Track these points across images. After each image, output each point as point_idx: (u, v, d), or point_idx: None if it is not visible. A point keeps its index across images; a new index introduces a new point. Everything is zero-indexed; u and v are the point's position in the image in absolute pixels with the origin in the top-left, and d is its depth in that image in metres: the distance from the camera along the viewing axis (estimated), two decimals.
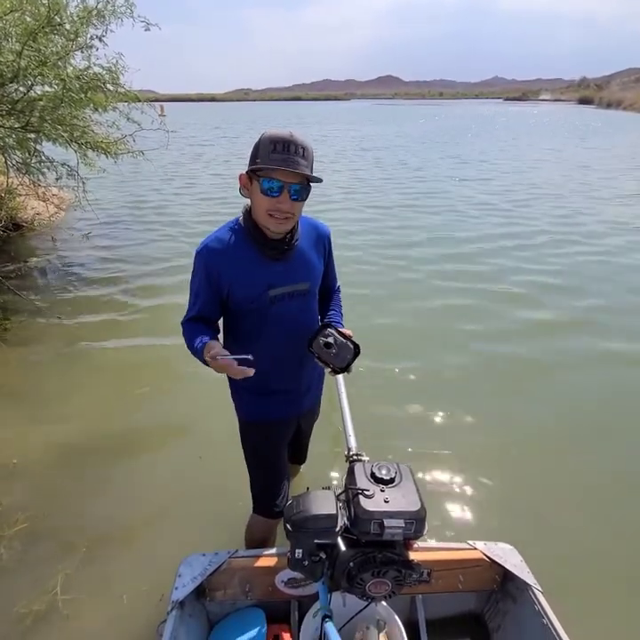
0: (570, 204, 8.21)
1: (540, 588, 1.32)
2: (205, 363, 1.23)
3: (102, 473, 2.28)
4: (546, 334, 3.72)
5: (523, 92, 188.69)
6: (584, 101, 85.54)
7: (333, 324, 1.44)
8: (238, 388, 1.48)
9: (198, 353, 1.24)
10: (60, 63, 4.05)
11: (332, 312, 1.53)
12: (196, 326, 1.33)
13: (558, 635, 1.21)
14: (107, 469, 2.30)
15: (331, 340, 1.32)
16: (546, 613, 1.26)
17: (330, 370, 1.36)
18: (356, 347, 1.34)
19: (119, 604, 1.68)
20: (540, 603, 1.29)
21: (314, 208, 7.39)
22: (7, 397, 2.91)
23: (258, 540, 1.59)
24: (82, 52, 4.33)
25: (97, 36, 4.33)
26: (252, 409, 1.49)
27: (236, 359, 1.14)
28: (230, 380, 1.49)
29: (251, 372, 1.15)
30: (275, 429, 1.52)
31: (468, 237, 6.30)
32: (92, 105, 4.66)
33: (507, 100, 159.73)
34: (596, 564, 1.85)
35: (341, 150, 16.05)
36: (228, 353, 1.15)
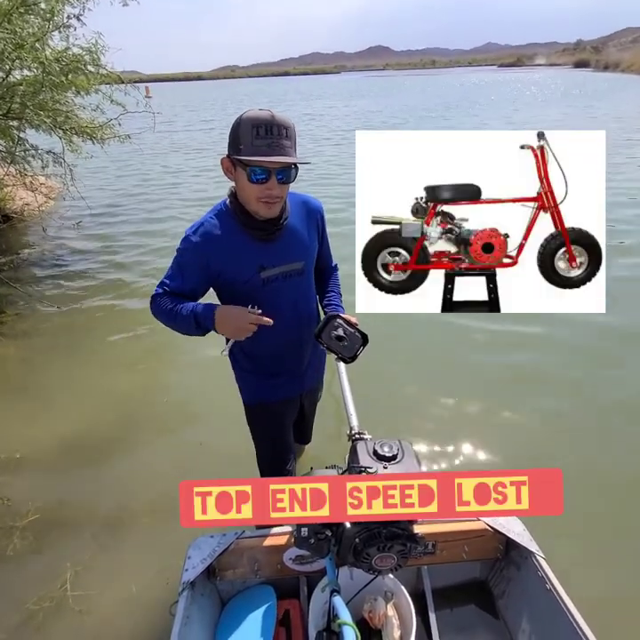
0: None
1: (542, 555, 1.35)
2: (200, 327, 1.22)
3: (106, 462, 2.30)
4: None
5: (517, 58, 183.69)
6: (580, 65, 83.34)
7: (335, 308, 1.45)
8: (242, 372, 1.49)
9: (197, 316, 1.21)
10: (37, 45, 3.91)
11: (332, 294, 1.51)
12: (174, 299, 1.28)
13: (561, 598, 1.24)
14: (110, 458, 2.32)
15: (341, 331, 1.33)
16: (549, 579, 1.29)
17: (337, 357, 1.37)
18: (365, 337, 1.35)
19: (130, 592, 1.70)
20: (543, 569, 1.32)
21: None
22: (7, 390, 2.92)
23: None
24: (59, 32, 4.18)
25: (74, 15, 4.18)
26: (255, 391, 1.50)
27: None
28: (234, 364, 1.50)
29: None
30: (279, 410, 1.53)
31: None
32: (74, 88, 4.54)
33: (501, 66, 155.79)
34: (597, 530, 1.90)
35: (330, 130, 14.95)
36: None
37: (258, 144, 1.11)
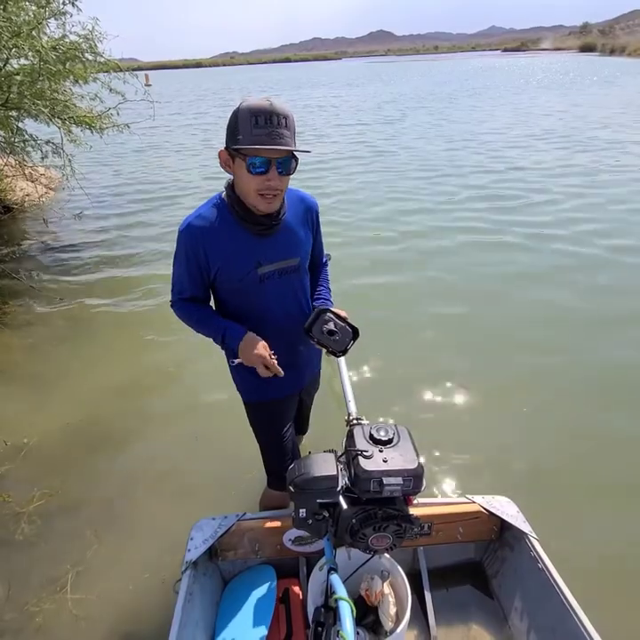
0: None
1: (535, 536, 1.39)
2: (224, 345, 1.30)
3: (106, 453, 2.33)
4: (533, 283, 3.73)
5: (521, 42, 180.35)
6: (586, 49, 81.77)
7: (324, 302, 1.46)
8: (239, 370, 1.45)
9: (225, 337, 1.27)
10: (34, 33, 3.87)
11: (321, 288, 1.52)
12: (196, 305, 1.33)
13: (553, 577, 1.28)
14: (111, 450, 2.35)
15: (332, 326, 1.33)
16: (541, 558, 1.33)
17: (327, 352, 1.38)
18: (355, 330, 1.36)
19: (128, 590, 1.70)
20: (535, 549, 1.35)
21: None
22: (13, 379, 2.96)
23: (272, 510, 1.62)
24: (55, 19, 4.13)
25: (70, 1, 4.12)
26: (254, 389, 1.47)
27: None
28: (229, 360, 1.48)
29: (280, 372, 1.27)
30: (279, 407, 1.52)
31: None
32: (72, 77, 4.50)
33: (505, 51, 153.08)
34: (589, 511, 1.94)
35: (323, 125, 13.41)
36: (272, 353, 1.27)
37: (257, 133, 1.08)
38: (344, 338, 1.35)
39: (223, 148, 1.18)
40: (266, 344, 1.27)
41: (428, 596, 1.44)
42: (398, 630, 1.20)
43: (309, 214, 1.38)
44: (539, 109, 14.35)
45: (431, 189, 6.66)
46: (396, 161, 8.47)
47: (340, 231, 5.19)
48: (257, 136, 1.09)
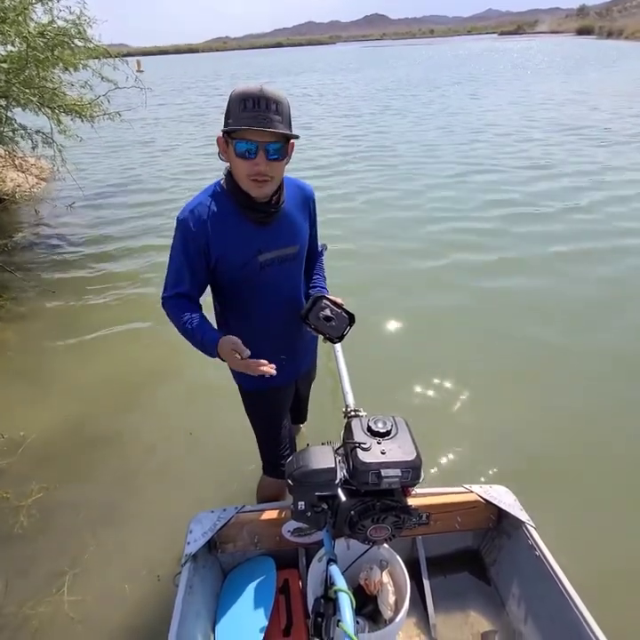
0: None
1: (532, 524, 1.40)
2: (211, 354, 1.22)
3: (105, 444, 2.33)
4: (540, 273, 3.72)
5: (518, 25, 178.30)
6: (583, 32, 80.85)
7: (320, 289, 1.46)
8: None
9: (204, 345, 1.21)
10: (20, 19, 3.77)
11: (317, 277, 1.51)
12: (186, 307, 1.27)
13: (549, 564, 1.29)
14: (109, 441, 2.35)
15: (328, 312, 1.34)
16: (538, 546, 1.34)
17: (324, 338, 1.37)
18: (351, 316, 1.37)
19: (124, 591, 1.68)
20: (532, 537, 1.37)
21: None
22: (8, 373, 2.94)
23: (269, 499, 1.64)
24: (42, 4, 4.02)
25: None
26: (252, 378, 1.41)
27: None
28: None
29: (273, 370, 1.18)
30: (276, 395, 1.53)
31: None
32: (61, 64, 4.40)
33: (501, 34, 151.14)
34: (585, 499, 1.95)
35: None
36: (248, 352, 1.16)
37: (244, 116, 1.07)
38: (340, 324, 1.35)
39: (220, 135, 1.16)
40: (235, 343, 1.17)
41: (426, 584, 1.45)
42: (397, 619, 1.21)
43: (307, 202, 1.37)
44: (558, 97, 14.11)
45: (434, 188, 6.61)
46: (393, 155, 8.34)
47: (340, 227, 5.15)
48: (243, 119, 1.08)
